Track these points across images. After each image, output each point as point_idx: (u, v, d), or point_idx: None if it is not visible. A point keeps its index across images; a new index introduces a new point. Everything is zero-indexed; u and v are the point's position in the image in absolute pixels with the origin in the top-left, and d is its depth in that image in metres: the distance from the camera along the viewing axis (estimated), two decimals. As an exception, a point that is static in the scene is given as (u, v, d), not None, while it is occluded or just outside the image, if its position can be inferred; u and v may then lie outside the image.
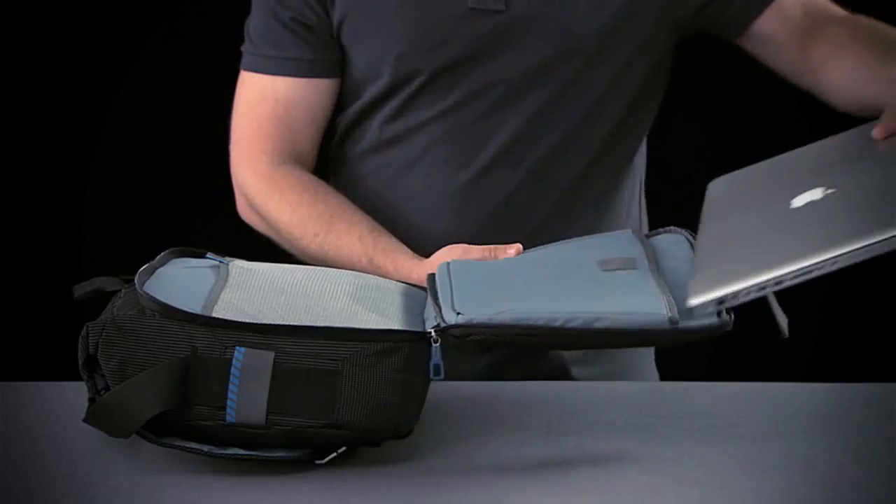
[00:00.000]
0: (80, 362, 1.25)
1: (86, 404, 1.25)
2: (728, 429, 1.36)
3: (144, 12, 2.45)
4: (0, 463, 1.28)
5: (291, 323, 1.23)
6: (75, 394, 1.47)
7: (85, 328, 1.25)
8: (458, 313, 1.24)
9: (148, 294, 1.25)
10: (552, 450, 1.30)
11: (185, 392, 1.21)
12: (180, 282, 1.29)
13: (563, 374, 1.66)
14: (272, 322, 1.23)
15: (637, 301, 1.25)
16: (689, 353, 2.38)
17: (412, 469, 1.25)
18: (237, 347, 1.21)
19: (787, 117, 2.48)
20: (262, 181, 1.64)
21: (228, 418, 1.21)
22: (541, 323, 1.22)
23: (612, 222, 1.66)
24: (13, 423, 1.38)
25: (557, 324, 1.22)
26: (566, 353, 1.65)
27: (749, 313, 2.63)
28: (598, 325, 1.22)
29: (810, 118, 2.48)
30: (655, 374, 1.78)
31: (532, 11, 1.56)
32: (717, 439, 1.33)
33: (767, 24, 1.61)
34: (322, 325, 1.23)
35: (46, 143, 2.52)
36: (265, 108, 1.64)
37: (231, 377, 1.21)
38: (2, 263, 2.52)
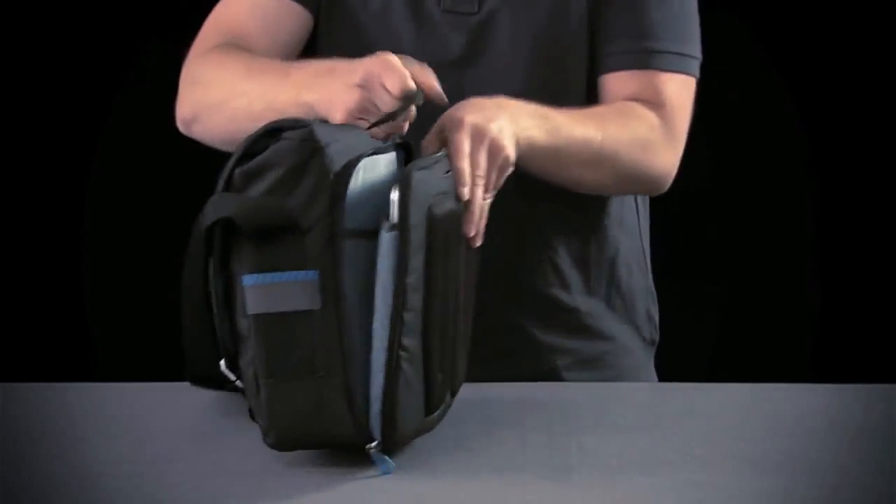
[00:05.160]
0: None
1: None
2: (728, 429, 1.36)
3: (146, 12, 2.46)
4: (0, 463, 1.28)
5: None
6: (75, 394, 1.48)
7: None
8: None
9: None
10: (553, 450, 1.30)
11: None
12: None
13: (554, 379, 1.64)
14: None
15: None
16: (690, 353, 2.39)
17: (413, 469, 1.25)
18: None
19: (786, 120, 2.48)
20: (193, 62, 1.59)
21: None
22: None
23: (605, 214, 1.65)
24: (14, 424, 1.38)
25: None
26: (558, 360, 1.64)
27: (749, 314, 2.64)
28: None
29: (809, 120, 2.49)
30: (655, 380, 1.78)
31: (503, 13, 1.57)
32: (717, 439, 1.33)
33: (608, 85, 1.62)
34: None
35: (47, 143, 2.53)
36: (231, 9, 1.62)
37: None
38: (2, 264, 2.52)
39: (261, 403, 1.22)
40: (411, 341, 1.24)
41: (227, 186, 1.23)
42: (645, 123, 1.57)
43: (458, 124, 1.36)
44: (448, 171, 1.32)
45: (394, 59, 1.33)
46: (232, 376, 1.26)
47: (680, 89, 1.61)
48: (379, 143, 1.29)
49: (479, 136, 1.36)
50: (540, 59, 1.58)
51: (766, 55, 2.46)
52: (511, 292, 1.62)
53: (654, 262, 1.76)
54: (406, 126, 1.35)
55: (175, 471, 1.25)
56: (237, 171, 1.22)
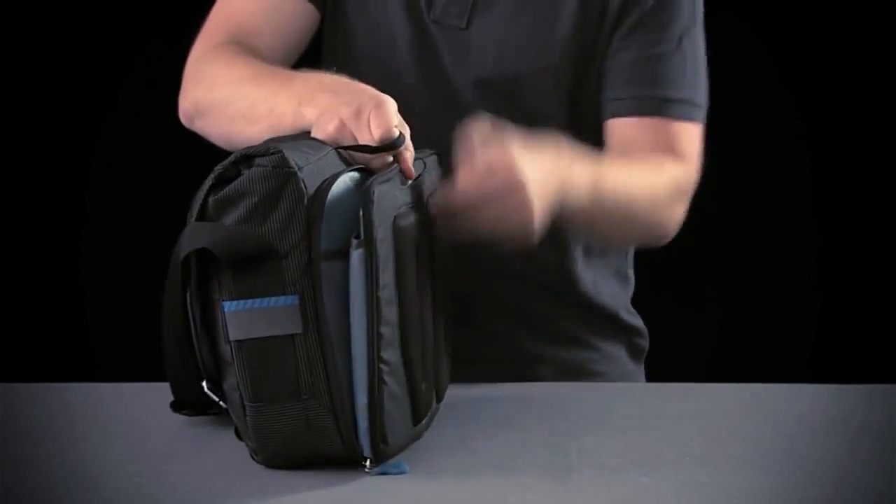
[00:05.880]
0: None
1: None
2: (728, 429, 1.36)
3: (149, 13, 2.46)
4: (0, 463, 1.28)
5: None
6: (75, 394, 1.48)
7: None
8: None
9: None
10: (553, 450, 1.30)
11: None
12: None
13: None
14: None
15: None
16: (689, 353, 2.39)
17: (414, 469, 1.25)
18: None
19: (786, 120, 2.48)
20: (201, 59, 1.58)
21: None
22: None
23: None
24: (14, 424, 1.38)
25: None
26: (541, 368, 1.64)
27: (749, 314, 2.63)
28: None
29: (809, 120, 2.49)
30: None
31: (491, 33, 1.57)
32: (717, 440, 1.33)
33: (619, 130, 1.61)
34: None
35: (47, 144, 2.53)
36: (239, 4, 1.62)
37: None
38: (2, 264, 2.52)
39: (248, 426, 1.23)
40: (391, 355, 1.24)
41: (202, 215, 1.23)
42: (672, 183, 1.57)
43: (504, 167, 1.32)
44: (405, 182, 1.31)
45: (390, 105, 1.32)
46: (215, 397, 1.27)
47: (693, 139, 1.61)
48: (342, 165, 1.29)
49: (511, 188, 1.33)
50: (523, 83, 1.58)
51: (766, 53, 2.46)
52: (495, 301, 1.62)
53: (653, 261, 1.76)
54: (378, 165, 1.31)
55: (175, 471, 1.25)
56: (211, 199, 1.22)
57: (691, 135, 1.61)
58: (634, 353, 1.70)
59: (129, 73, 2.50)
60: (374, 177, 1.26)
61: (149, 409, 1.39)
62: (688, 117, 1.61)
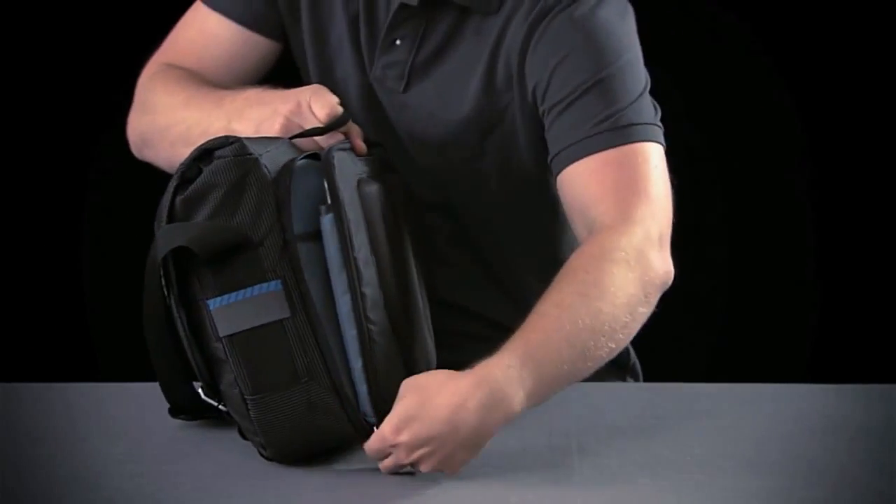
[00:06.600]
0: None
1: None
2: (728, 429, 1.36)
3: (149, 14, 2.46)
4: (0, 463, 1.28)
5: None
6: (75, 394, 1.48)
7: None
8: None
9: None
10: (553, 450, 1.30)
11: None
12: None
13: None
14: None
15: None
16: (689, 352, 2.38)
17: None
18: None
19: (786, 119, 2.49)
20: (145, 86, 1.60)
21: None
22: None
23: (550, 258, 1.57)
24: (14, 424, 1.38)
25: None
26: None
27: (748, 314, 2.63)
28: None
29: (809, 119, 2.49)
30: None
31: (423, 99, 1.55)
32: (717, 440, 1.33)
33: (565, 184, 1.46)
34: None
35: (47, 144, 2.53)
36: (190, 33, 1.63)
37: None
38: (2, 264, 2.52)
39: (252, 421, 1.24)
40: (377, 314, 1.26)
41: (171, 217, 1.25)
42: (626, 271, 1.36)
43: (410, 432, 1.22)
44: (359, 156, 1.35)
45: (325, 89, 1.39)
46: (212, 402, 1.27)
47: (656, 160, 1.46)
48: (297, 153, 1.31)
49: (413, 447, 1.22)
50: (451, 142, 1.56)
51: (767, 52, 2.46)
52: (465, 315, 1.61)
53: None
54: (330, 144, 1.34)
55: (175, 471, 1.25)
56: (178, 199, 1.25)
57: (647, 154, 1.44)
58: (614, 366, 1.67)
59: (130, 74, 2.50)
60: (330, 146, 1.31)
61: (149, 409, 1.39)
62: (640, 138, 1.44)
